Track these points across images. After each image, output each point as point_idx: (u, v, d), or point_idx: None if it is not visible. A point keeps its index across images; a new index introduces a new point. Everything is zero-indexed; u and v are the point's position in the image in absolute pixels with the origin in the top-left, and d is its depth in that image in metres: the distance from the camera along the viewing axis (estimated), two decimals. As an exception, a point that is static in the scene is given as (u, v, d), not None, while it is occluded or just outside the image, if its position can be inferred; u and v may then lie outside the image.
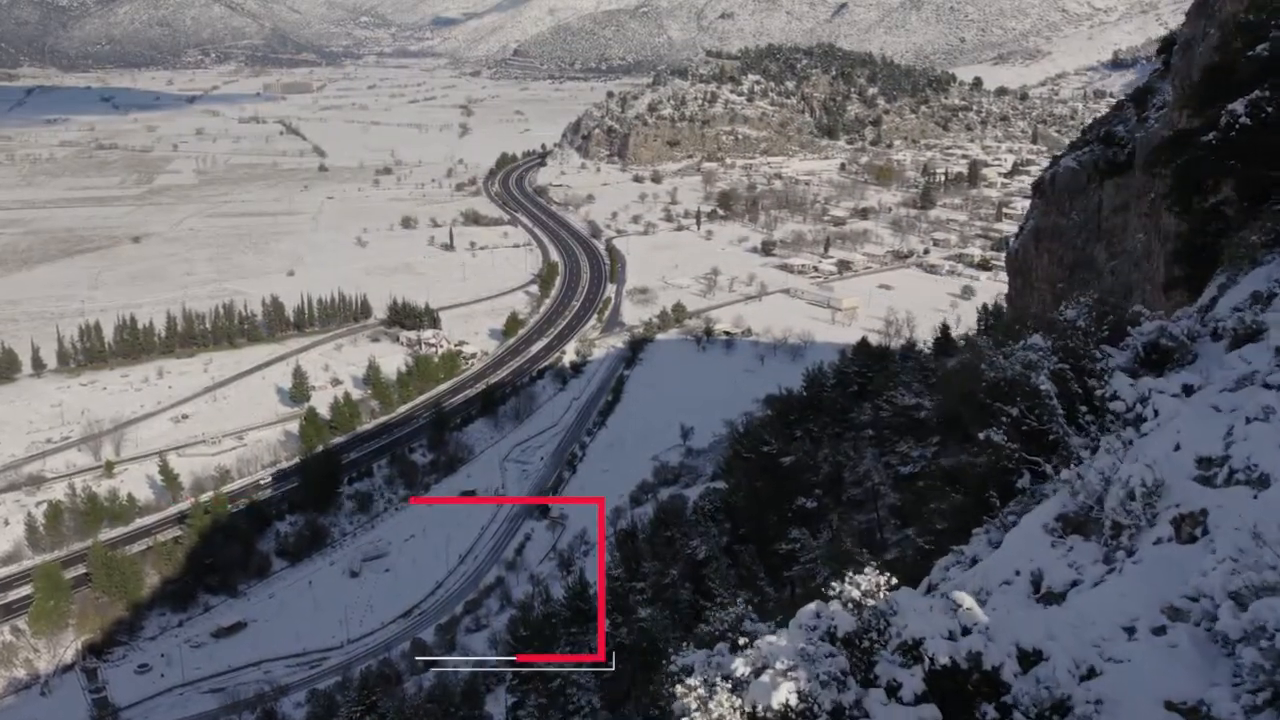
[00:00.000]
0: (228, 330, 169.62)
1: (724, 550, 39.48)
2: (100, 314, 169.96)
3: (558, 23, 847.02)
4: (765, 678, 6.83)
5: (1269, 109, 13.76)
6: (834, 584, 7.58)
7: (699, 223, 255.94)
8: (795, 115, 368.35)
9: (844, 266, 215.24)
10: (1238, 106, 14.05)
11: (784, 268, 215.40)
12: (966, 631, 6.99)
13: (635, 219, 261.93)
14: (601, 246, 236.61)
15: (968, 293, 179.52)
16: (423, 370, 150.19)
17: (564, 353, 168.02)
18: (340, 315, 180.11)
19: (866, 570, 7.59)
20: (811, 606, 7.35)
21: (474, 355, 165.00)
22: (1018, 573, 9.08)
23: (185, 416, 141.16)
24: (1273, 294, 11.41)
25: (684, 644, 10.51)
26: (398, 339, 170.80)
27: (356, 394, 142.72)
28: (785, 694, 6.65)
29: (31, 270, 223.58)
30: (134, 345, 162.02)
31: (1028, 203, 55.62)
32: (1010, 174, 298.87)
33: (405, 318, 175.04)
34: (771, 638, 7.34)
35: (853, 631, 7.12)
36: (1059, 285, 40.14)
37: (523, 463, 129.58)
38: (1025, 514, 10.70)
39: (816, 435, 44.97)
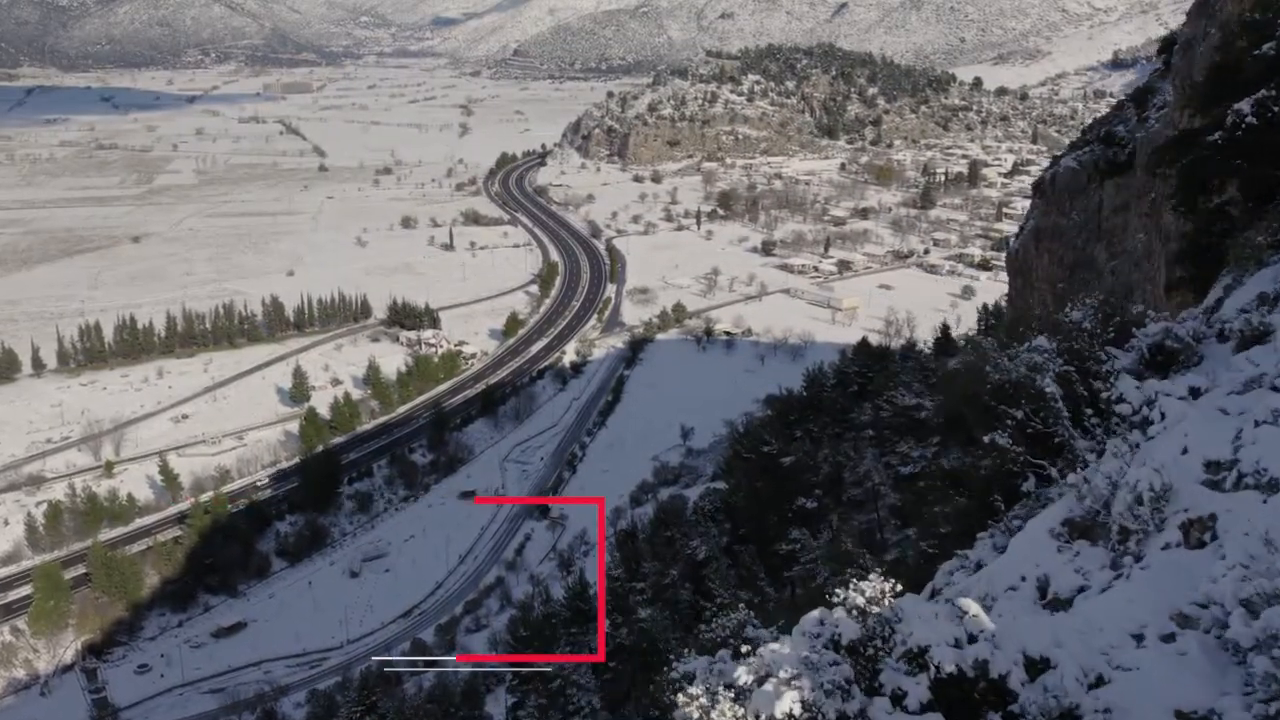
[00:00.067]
0: (228, 330, 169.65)
1: (724, 550, 39.45)
2: (100, 314, 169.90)
3: (558, 23, 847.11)
4: (768, 686, 6.75)
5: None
6: (838, 590, 7.49)
7: (699, 223, 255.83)
8: (795, 115, 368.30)
9: (844, 266, 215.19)
10: (1244, 106, 13.96)
11: (784, 268, 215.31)
12: (972, 639, 6.90)
13: (635, 219, 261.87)
14: (601, 246, 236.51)
15: (968, 293, 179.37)
16: (422, 370, 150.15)
17: (564, 353, 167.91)
18: (340, 315, 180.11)
19: (871, 576, 7.49)
20: (815, 614, 7.26)
21: (474, 355, 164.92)
22: (1024, 578, 8.97)
23: (185, 416, 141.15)
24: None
25: (685, 649, 10.41)
26: (398, 339, 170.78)
27: (356, 394, 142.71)
28: (789, 703, 6.56)
29: (31, 270, 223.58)
30: (134, 345, 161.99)
31: (1028, 203, 55.62)
32: (1010, 174, 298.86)
33: (405, 318, 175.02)
34: (774, 645, 7.25)
35: (857, 639, 7.04)
36: (1059, 285, 40.10)
37: (523, 463, 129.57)
38: (1030, 518, 10.60)
39: (817, 435, 44.97)
